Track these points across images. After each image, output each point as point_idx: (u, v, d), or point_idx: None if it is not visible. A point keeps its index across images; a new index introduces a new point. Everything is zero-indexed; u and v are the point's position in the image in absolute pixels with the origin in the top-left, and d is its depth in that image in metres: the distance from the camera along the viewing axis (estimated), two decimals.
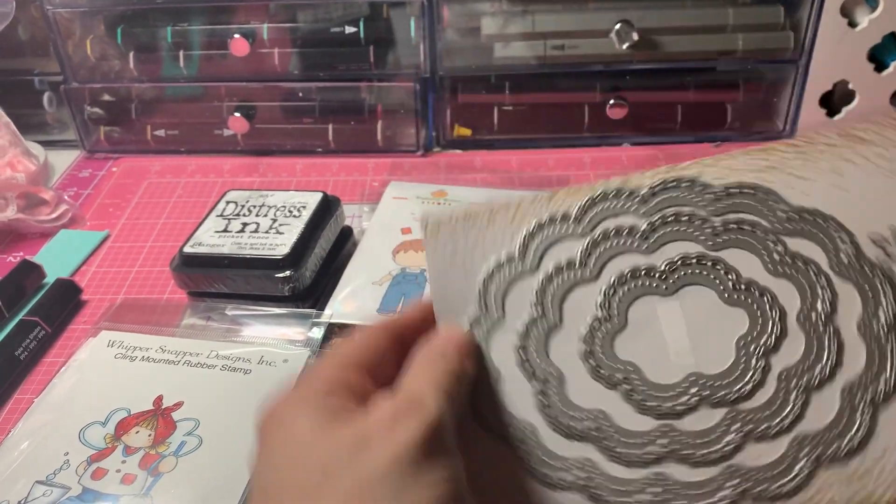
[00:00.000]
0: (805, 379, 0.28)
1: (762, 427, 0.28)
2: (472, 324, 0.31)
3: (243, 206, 0.60)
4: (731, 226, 0.30)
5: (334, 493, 0.24)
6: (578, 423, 0.29)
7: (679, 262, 0.30)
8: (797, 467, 0.28)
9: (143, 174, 0.77)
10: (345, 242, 0.62)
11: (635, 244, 0.30)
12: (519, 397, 0.30)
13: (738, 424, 0.28)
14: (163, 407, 0.46)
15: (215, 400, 0.46)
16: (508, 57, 0.73)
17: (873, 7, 0.68)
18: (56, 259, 0.64)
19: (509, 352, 0.30)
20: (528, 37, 0.72)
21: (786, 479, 0.28)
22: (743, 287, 0.29)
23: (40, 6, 0.74)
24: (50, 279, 0.60)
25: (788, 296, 0.29)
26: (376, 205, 0.65)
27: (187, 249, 0.56)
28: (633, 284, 0.30)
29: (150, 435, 0.44)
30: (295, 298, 0.55)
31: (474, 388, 0.30)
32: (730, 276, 0.29)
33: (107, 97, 0.79)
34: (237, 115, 0.76)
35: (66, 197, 0.70)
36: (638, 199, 0.30)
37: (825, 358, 0.28)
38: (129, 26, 0.76)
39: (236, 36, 0.73)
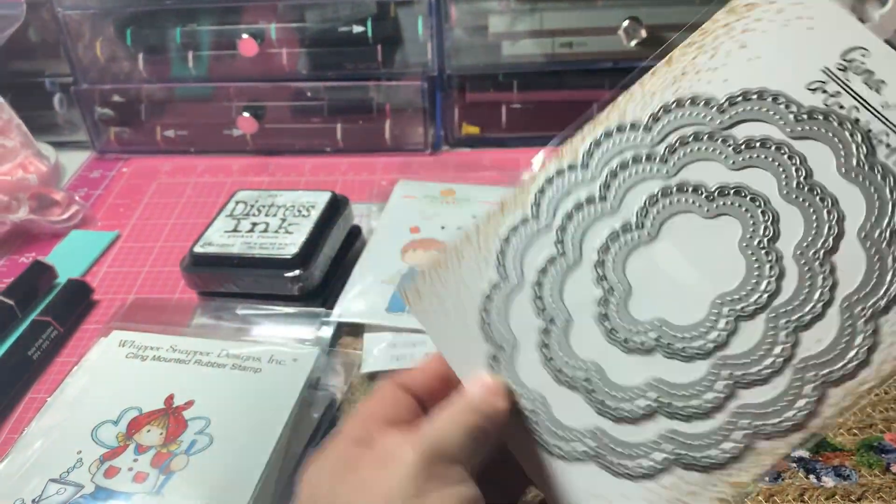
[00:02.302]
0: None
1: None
2: (489, 361, 0.31)
3: (252, 206, 0.60)
4: (676, 145, 0.29)
5: None
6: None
7: (647, 203, 0.29)
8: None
9: (152, 175, 0.77)
10: (353, 242, 0.62)
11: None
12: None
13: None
14: (174, 406, 0.46)
15: (226, 398, 0.47)
16: (516, 55, 0.73)
17: (884, 2, 0.67)
18: (68, 259, 0.64)
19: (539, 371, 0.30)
20: (535, 34, 0.72)
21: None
22: (717, 194, 0.29)
23: (51, 9, 0.75)
24: (62, 279, 0.61)
25: (762, 182, 0.28)
26: (385, 204, 0.65)
27: (197, 249, 0.56)
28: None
29: (161, 433, 0.45)
30: (304, 298, 0.56)
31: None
32: (700, 192, 0.29)
33: (117, 98, 0.79)
34: (246, 115, 0.76)
35: (77, 198, 0.71)
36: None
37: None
38: (138, 28, 0.76)
39: (245, 36, 0.73)
